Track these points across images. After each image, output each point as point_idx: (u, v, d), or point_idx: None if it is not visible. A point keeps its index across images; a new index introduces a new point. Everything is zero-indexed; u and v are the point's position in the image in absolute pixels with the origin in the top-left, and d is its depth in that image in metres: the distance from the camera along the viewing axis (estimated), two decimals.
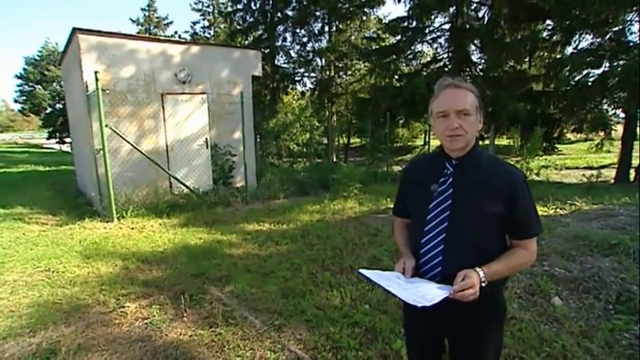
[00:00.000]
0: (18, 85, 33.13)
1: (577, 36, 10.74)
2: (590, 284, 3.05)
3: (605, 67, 9.95)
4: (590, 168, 13.63)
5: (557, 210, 5.65)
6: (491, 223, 1.22)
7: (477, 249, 1.21)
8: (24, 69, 32.63)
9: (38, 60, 32.49)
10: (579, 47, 10.89)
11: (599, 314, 2.72)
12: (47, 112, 31.99)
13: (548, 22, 11.86)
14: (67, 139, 26.72)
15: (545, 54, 12.76)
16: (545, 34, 12.17)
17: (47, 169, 14.73)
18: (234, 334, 2.60)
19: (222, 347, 2.45)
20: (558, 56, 11.90)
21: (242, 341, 2.51)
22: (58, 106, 30.06)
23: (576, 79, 10.96)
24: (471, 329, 1.29)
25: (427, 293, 1.13)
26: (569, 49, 11.47)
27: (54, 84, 31.35)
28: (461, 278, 1.13)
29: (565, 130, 14.22)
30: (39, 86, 32.50)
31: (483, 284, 1.14)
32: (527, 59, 13.31)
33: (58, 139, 30.27)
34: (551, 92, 11.81)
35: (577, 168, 14.49)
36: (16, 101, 35.32)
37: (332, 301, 3.03)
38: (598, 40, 10.16)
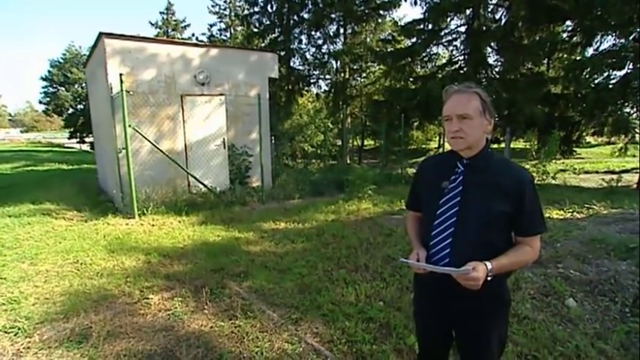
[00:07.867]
0: (43, 87, 34.60)
1: (598, 37, 10.51)
2: (606, 287, 3.05)
3: (628, 68, 9.72)
4: (612, 172, 13.27)
5: (574, 213, 5.57)
6: (498, 220, 1.30)
7: (483, 243, 1.30)
8: (49, 71, 33.96)
9: (62, 63, 33.71)
10: (600, 49, 10.68)
11: (614, 317, 2.72)
12: (69, 112, 33.27)
13: (568, 23, 11.66)
14: (87, 139, 27.70)
15: (565, 56, 12.54)
16: (564, 35, 11.97)
17: (70, 167, 15.26)
18: (253, 326, 2.71)
19: (242, 338, 2.57)
20: (578, 58, 11.68)
21: (261, 333, 2.62)
22: (79, 107, 31.17)
23: (596, 81, 10.72)
24: (475, 318, 1.37)
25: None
26: (590, 51, 11.25)
27: (76, 86, 32.46)
28: (470, 267, 1.22)
29: (584, 134, 13.91)
30: (62, 88, 33.76)
31: (489, 277, 1.23)
32: (545, 61, 13.08)
33: (78, 139, 31.39)
34: (570, 95, 11.59)
35: (597, 172, 14.13)
36: (40, 102, 36.88)
37: (347, 297, 3.11)
38: (621, 41, 9.94)
